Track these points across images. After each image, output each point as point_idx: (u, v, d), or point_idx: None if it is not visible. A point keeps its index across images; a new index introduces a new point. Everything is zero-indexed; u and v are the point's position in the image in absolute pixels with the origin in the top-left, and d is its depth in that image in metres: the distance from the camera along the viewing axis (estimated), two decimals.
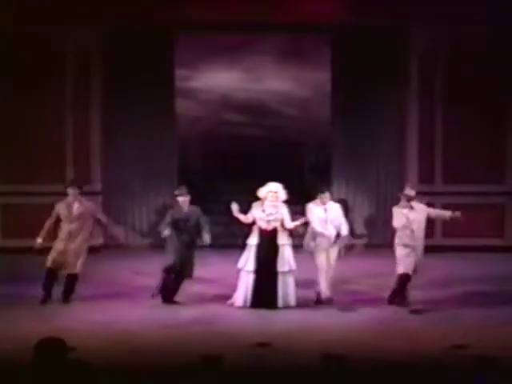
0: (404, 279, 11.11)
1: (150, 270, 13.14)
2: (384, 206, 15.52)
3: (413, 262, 11.08)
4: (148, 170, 15.74)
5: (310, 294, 11.33)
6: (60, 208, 11.24)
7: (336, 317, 10.64)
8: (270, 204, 10.96)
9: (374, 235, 15.63)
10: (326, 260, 11.18)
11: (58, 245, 11.18)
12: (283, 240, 11.02)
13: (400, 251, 11.14)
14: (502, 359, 6.39)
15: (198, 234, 11.24)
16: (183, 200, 11.31)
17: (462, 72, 15.21)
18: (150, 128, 15.64)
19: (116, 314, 10.70)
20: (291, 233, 11.32)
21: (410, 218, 11.13)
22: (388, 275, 11.97)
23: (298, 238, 11.64)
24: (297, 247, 11.31)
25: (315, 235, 11.20)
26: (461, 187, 15.40)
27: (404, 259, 11.09)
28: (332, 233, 11.22)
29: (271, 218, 10.94)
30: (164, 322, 10.29)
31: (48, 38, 14.94)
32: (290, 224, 11.06)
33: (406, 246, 11.13)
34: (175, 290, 11.29)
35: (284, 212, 11.04)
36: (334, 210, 11.36)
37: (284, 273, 10.94)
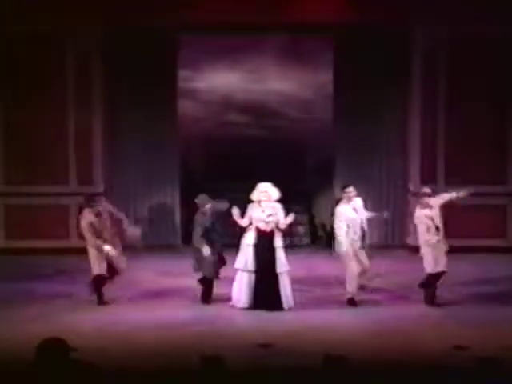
0: (440, 276, 11.31)
1: (151, 271, 13.19)
2: (387, 207, 15.53)
3: (444, 258, 11.29)
4: (150, 170, 15.75)
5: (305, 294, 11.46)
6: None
7: (337, 317, 10.65)
8: (269, 205, 10.99)
9: (377, 236, 15.64)
10: (356, 265, 11.23)
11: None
12: (278, 242, 11.05)
13: (431, 251, 11.27)
14: (504, 360, 6.39)
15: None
16: (207, 209, 11.31)
17: (465, 72, 15.19)
18: (152, 129, 15.63)
19: (117, 315, 10.71)
20: (284, 234, 11.33)
21: (433, 216, 11.30)
22: (389, 276, 12.02)
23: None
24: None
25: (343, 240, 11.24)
26: (463, 188, 15.35)
27: (436, 258, 11.25)
28: (359, 236, 11.31)
29: (271, 219, 10.96)
30: (165, 322, 10.30)
31: (48, 38, 14.92)
32: (284, 223, 11.05)
33: (434, 244, 11.28)
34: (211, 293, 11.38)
35: (280, 214, 11.06)
36: (361, 207, 11.48)
37: (281, 273, 10.97)
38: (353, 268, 11.23)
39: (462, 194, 11.72)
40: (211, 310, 10.99)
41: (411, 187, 15.31)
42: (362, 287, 11.47)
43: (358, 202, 11.52)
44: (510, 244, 15.46)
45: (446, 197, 11.73)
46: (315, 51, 15.97)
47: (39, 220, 14.89)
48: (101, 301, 11.29)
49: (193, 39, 15.58)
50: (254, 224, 10.98)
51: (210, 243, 11.22)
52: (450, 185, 15.41)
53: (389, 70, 15.43)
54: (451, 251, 13.93)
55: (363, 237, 11.37)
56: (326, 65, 15.82)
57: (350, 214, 11.31)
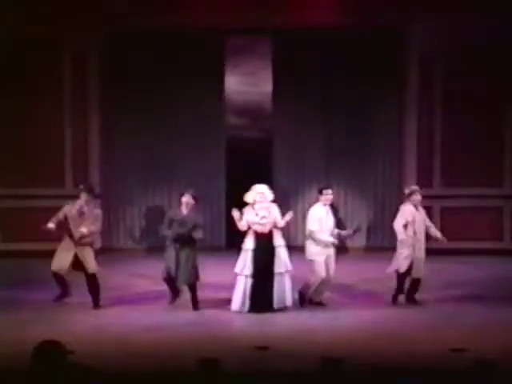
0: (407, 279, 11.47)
1: (148, 274, 13.17)
2: (382, 209, 15.57)
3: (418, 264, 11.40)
4: (146, 173, 15.74)
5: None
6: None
7: (334, 319, 10.65)
8: (262, 207, 11.00)
9: (372, 238, 15.66)
10: (325, 268, 11.21)
11: None
12: (279, 241, 11.07)
13: (405, 252, 11.44)
14: (501, 363, 6.39)
15: (189, 245, 11.14)
16: (185, 201, 11.24)
17: (461, 75, 15.21)
18: (149, 131, 15.65)
19: (114, 318, 10.71)
20: (284, 233, 11.35)
21: (416, 216, 11.42)
22: (384, 279, 12.02)
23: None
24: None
25: (317, 242, 11.24)
26: (459, 190, 15.41)
27: (408, 259, 11.40)
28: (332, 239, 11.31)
29: (265, 220, 10.97)
30: (162, 325, 10.30)
31: (46, 40, 14.92)
32: (282, 222, 11.09)
33: (409, 246, 11.42)
34: (176, 295, 11.32)
35: (276, 212, 11.09)
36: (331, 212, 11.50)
37: (280, 273, 10.98)
38: (321, 272, 11.16)
39: (439, 237, 11.64)
40: (208, 313, 10.98)
41: (407, 190, 15.30)
42: (319, 303, 11.35)
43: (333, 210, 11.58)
44: (507, 246, 15.47)
45: (428, 222, 11.70)
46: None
47: (35, 222, 14.86)
48: (56, 298, 11.28)
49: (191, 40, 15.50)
50: (251, 227, 11.01)
51: (173, 245, 11.18)
52: (445, 187, 15.48)
53: (386, 72, 15.45)
54: (448, 253, 14.03)
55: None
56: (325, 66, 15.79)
57: (324, 218, 11.27)
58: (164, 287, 11.64)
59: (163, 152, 15.64)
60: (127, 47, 15.36)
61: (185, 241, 11.12)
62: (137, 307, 11.32)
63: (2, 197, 15.20)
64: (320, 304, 11.33)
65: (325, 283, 11.28)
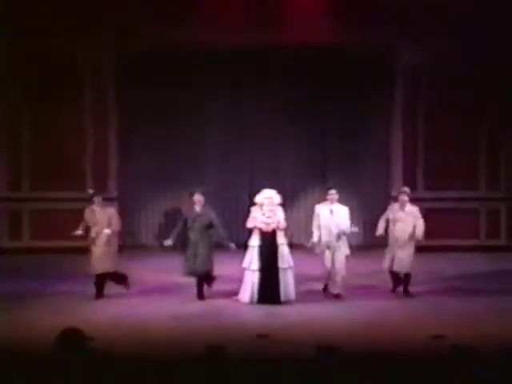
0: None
1: (162, 269, 13.16)
2: (371, 210, 15.53)
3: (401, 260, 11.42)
4: (159, 177, 15.74)
5: (304, 289, 11.46)
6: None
7: (330, 310, 10.62)
8: (268, 208, 11.03)
9: (364, 237, 15.63)
10: (330, 260, 11.26)
11: None
12: (281, 240, 11.10)
13: (388, 250, 11.56)
14: (478, 348, 6.36)
15: (208, 238, 11.16)
16: (197, 199, 11.24)
17: (442, 87, 15.19)
18: (161, 141, 15.65)
19: (130, 308, 10.68)
20: (286, 233, 11.34)
21: (397, 217, 11.47)
22: (374, 274, 12.02)
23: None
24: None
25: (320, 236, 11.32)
26: (440, 193, 15.41)
27: (391, 257, 11.49)
28: (333, 236, 11.29)
29: (270, 220, 11.00)
30: (173, 315, 10.27)
31: (68, 59, 14.91)
32: (284, 224, 11.11)
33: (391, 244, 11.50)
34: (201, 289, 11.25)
35: (280, 214, 11.12)
36: (341, 213, 11.43)
37: (284, 269, 10.99)
38: (326, 264, 11.29)
39: (418, 234, 11.47)
40: (217, 305, 10.94)
41: (393, 193, 15.30)
42: (337, 296, 11.33)
43: (344, 209, 11.46)
44: (483, 243, 15.47)
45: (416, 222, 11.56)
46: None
47: (59, 222, 14.88)
48: (98, 295, 11.20)
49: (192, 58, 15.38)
50: (257, 226, 11.02)
51: (188, 240, 11.17)
52: (428, 190, 15.47)
53: (373, 86, 15.41)
54: (431, 250, 14.00)
55: (339, 237, 11.33)
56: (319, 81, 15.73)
57: (325, 215, 11.30)
58: (174, 281, 11.61)
59: (174, 160, 15.64)
60: (143, 61, 15.27)
61: (202, 235, 11.11)
62: (151, 299, 11.28)
63: (31, 199, 15.22)
64: (336, 297, 11.29)
65: (330, 274, 11.30)
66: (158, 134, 15.66)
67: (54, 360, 5.40)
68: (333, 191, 11.45)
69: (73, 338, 5.42)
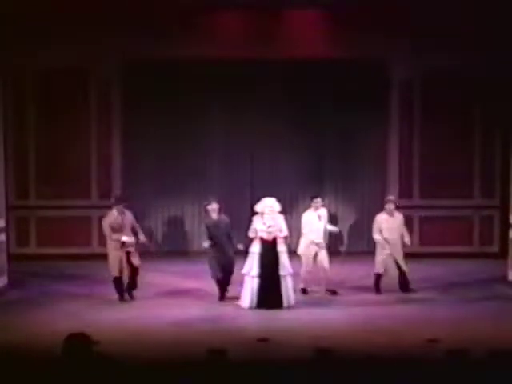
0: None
1: (167, 274, 13.19)
2: (367, 217, 15.56)
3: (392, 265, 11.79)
4: (161, 187, 15.79)
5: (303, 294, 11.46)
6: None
7: (328, 315, 10.66)
8: (269, 217, 11.10)
9: (359, 243, 15.65)
10: (312, 261, 11.73)
11: None
12: (281, 247, 11.17)
13: (379, 253, 11.94)
14: (471, 352, 6.40)
15: (230, 241, 11.42)
16: (212, 208, 11.52)
17: (437, 99, 15.22)
18: (164, 151, 15.70)
19: (135, 313, 10.72)
20: (286, 240, 11.43)
21: (385, 225, 11.76)
22: (369, 279, 12.04)
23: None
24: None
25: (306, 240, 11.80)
26: (435, 201, 15.44)
27: (383, 261, 11.81)
28: (322, 238, 11.81)
29: (271, 229, 11.08)
30: (175, 319, 10.31)
31: (74, 71, 14.97)
32: (285, 232, 11.23)
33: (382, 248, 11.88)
34: (225, 289, 11.47)
35: (281, 222, 11.20)
36: (325, 217, 11.99)
37: (284, 276, 11.05)
38: (307, 265, 11.78)
39: (406, 241, 11.88)
40: (218, 310, 10.99)
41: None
42: (333, 292, 11.84)
43: (323, 211, 11.98)
44: (476, 250, 15.50)
45: (403, 228, 11.94)
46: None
47: (65, 229, 14.93)
48: (121, 298, 11.32)
49: (192, 69, 15.41)
50: (258, 234, 11.10)
51: (214, 247, 11.38)
52: (424, 198, 15.52)
53: (369, 97, 15.42)
54: (426, 256, 14.04)
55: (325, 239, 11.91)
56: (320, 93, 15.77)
57: (314, 221, 11.76)
58: (178, 286, 11.63)
59: (176, 170, 15.69)
60: (148, 74, 15.33)
61: (223, 240, 11.38)
62: (156, 303, 11.31)
63: (37, 207, 15.25)
64: (334, 292, 11.79)
65: (311, 274, 11.83)
66: (161, 145, 15.69)
67: (61, 364, 5.43)
68: (319, 199, 11.95)
69: (79, 342, 5.45)
